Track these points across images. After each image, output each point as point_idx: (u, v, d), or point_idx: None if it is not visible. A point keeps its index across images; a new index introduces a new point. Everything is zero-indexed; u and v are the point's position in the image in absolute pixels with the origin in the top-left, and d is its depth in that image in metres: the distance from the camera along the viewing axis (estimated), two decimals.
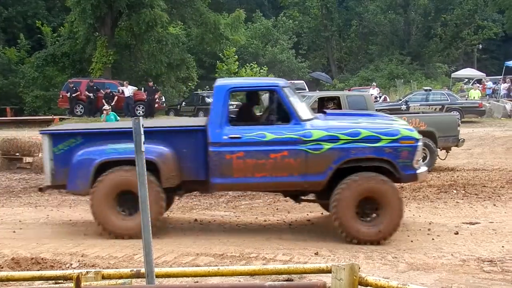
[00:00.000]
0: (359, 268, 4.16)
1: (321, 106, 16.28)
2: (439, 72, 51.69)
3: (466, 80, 43.66)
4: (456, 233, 9.14)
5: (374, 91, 33.91)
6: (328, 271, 4.24)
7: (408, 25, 53.46)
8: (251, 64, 44.06)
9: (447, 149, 16.70)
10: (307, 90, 34.35)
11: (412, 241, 8.64)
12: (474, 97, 32.38)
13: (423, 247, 8.30)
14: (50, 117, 32.89)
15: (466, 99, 31.95)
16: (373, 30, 54.98)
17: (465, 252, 8.08)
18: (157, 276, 4.45)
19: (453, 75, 46.31)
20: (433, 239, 8.80)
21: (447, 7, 52.66)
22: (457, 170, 15.95)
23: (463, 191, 12.75)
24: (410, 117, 16.26)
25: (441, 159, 16.45)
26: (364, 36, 56.77)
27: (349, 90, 35.01)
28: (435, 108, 29.03)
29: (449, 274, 7.09)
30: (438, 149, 16.19)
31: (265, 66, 45.14)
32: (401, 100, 30.26)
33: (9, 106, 38.40)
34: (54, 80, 39.11)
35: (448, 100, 29.36)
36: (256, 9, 56.52)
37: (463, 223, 9.94)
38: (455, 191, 12.79)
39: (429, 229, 9.42)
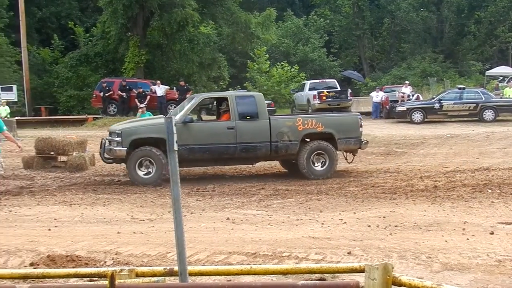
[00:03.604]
0: (393, 267, 4.12)
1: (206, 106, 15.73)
2: (473, 70, 51.03)
3: (501, 78, 43.02)
4: (492, 233, 9.00)
5: (406, 90, 33.63)
6: (361, 270, 4.21)
7: (441, 22, 52.86)
8: (282, 63, 44.02)
9: (353, 152, 15.87)
10: (339, 89, 34.20)
11: (446, 241, 8.53)
12: (509, 95, 31.87)
13: (457, 247, 8.19)
14: (84, 116, 33.32)
15: (501, 97, 31.47)
16: (405, 28, 54.50)
17: (500, 252, 7.94)
18: (190, 274, 4.46)
19: (487, 73, 45.69)
20: (468, 239, 8.67)
21: (480, 4, 51.93)
22: (492, 169, 15.69)
23: (499, 191, 12.57)
24: (306, 117, 15.54)
25: (348, 162, 16.05)
26: (396, 34, 56.30)
27: (381, 89, 34.83)
28: (469, 107, 28.71)
29: (485, 274, 6.99)
30: (340, 152, 15.56)
31: (296, 65, 45.06)
32: (434, 98, 29.97)
33: (43, 106, 38.95)
34: (88, 79, 39.57)
35: (482, 99, 29.00)
36: (287, 7, 56.44)
37: (498, 223, 9.78)
38: (490, 191, 12.61)
39: (463, 229, 9.29)
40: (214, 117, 17.27)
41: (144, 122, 16.12)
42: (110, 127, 16.59)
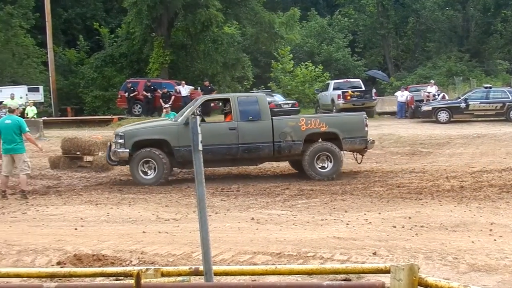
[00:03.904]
0: (419, 268, 4.09)
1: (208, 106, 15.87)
2: (499, 69, 50.40)
3: None
4: None
5: (432, 89, 33.36)
6: (387, 271, 4.18)
7: (467, 21, 52.32)
8: (306, 63, 43.93)
9: (359, 152, 15.64)
10: (363, 88, 34.03)
11: (473, 242, 8.45)
12: None
13: (484, 248, 8.11)
14: (109, 116, 33.57)
15: None
16: (430, 27, 54.01)
17: None
18: (215, 274, 4.47)
19: None
20: (495, 240, 8.58)
21: (507, 2, 51.27)
22: None
23: None
24: (309, 118, 15.42)
25: (358, 163, 15.89)
26: (421, 33, 55.82)
27: (406, 89, 34.57)
28: (496, 106, 28.40)
29: None
30: (345, 152, 15.40)
31: (320, 64, 44.91)
32: (460, 98, 29.69)
33: (69, 106, 39.30)
34: (113, 80, 39.87)
35: (509, 98, 28.66)
36: (311, 7, 56.28)
37: None
38: None
39: (491, 230, 9.20)
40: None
41: (147, 124, 16.38)
42: (116, 129, 16.88)
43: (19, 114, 14.30)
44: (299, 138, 14.88)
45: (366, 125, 15.37)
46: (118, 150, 14.68)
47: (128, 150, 14.58)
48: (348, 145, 15.15)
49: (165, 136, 14.72)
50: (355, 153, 15.89)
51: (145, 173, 14.67)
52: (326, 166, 14.97)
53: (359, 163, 15.92)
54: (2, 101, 27.68)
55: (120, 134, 14.95)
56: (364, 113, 16.39)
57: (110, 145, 15.30)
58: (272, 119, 15.01)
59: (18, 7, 41.54)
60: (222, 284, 4.96)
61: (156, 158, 14.54)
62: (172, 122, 15.30)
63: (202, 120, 15.51)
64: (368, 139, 15.38)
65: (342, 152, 15.13)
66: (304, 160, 14.88)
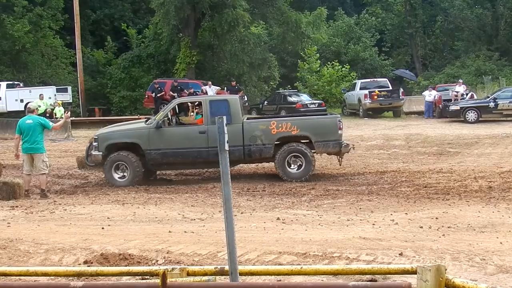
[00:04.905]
0: (446, 269, 4.06)
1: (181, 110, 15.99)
2: None
3: None
4: None
5: (460, 88, 33.05)
6: (413, 272, 4.16)
7: (496, 19, 51.70)
8: (333, 62, 43.80)
9: (336, 155, 15.50)
10: (391, 88, 33.83)
11: (501, 243, 8.35)
12: None
13: None
14: (136, 117, 33.76)
15: None
16: (459, 26, 53.47)
17: None
18: (241, 274, 4.48)
19: None
20: None
21: None
22: None
23: None
24: (280, 121, 15.21)
25: (339, 165, 15.80)
26: (450, 32, 55.30)
27: (434, 88, 34.29)
28: None
29: None
30: (316, 155, 15.38)
31: (347, 64, 44.76)
32: (489, 97, 29.35)
33: (97, 107, 39.67)
34: (140, 80, 40.19)
35: None
36: (338, 6, 56.09)
37: None
38: None
39: None
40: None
41: (120, 127, 16.38)
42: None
43: (48, 115, 14.51)
44: (270, 141, 14.88)
45: (340, 128, 15.16)
46: (93, 152, 14.93)
47: (101, 153, 14.80)
48: (321, 148, 15.08)
49: (136, 139, 14.91)
50: (330, 155, 15.91)
51: (119, 176, 14.81)
52: (297, 168, 14.94)
53: (340, 165, 15.89)
54: (29, 102, 28.00)
55: (95, 137, 15.22)
56: (339, 116, 16.29)
57: (89, 146, 15.45)
58: (243, 123, 15.02)
59: (47, 9, 42.05)
60: (248, 284, 4.97)
61: (128, 162, 14.72)
62: (144, 126, 15.34)
63: (179, 123, 15.67)
64: (342, 143, 15.19)
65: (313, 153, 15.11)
66: (275, 162, 14.93)
